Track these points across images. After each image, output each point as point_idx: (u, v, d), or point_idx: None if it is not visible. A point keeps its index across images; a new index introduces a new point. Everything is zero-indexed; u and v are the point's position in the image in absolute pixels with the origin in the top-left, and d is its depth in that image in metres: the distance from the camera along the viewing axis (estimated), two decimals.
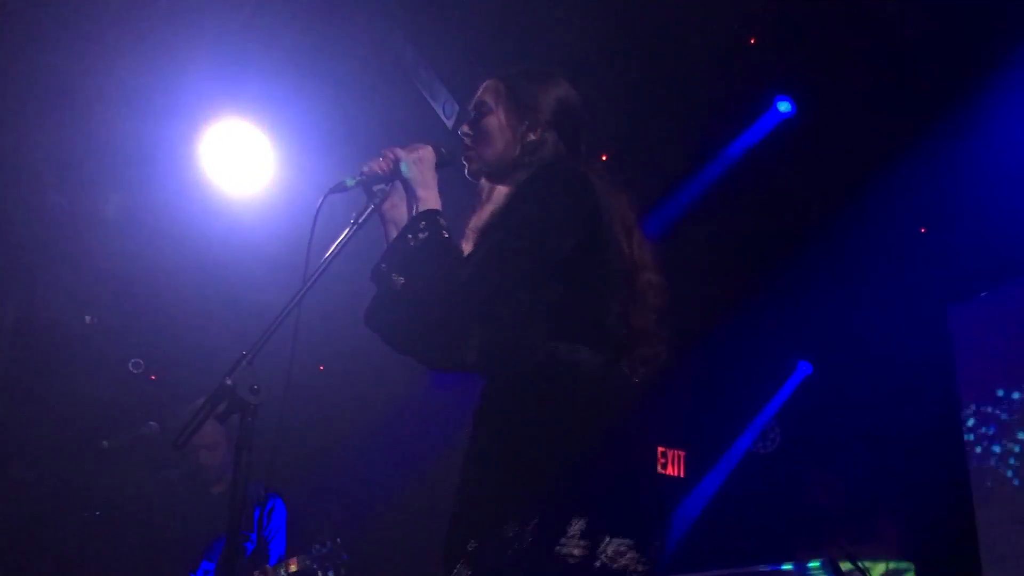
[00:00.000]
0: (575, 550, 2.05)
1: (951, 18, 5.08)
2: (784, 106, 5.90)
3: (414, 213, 2.37)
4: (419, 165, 2.40)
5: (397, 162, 2.40)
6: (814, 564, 4.59)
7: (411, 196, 2.40)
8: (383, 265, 2.33)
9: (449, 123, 5.39)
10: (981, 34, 5.13)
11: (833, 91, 5.66)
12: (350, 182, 2.41)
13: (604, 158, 5.90)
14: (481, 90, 2.57)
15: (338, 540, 4.37)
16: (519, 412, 2.22)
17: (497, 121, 2.51)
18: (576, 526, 2.06)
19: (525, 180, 2.38)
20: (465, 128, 2.55)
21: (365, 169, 2.42)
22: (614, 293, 2.35)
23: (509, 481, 2.15)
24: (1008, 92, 5.31)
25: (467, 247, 2.44)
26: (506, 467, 2.17)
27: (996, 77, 5.27)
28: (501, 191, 2.51)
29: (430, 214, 2.32)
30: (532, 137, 2.49)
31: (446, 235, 2.29)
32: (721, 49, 5.45)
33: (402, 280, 2.28)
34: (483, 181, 2.57)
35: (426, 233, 2.27)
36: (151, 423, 4.78)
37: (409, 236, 2.29)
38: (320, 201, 2.36)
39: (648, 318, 2.40)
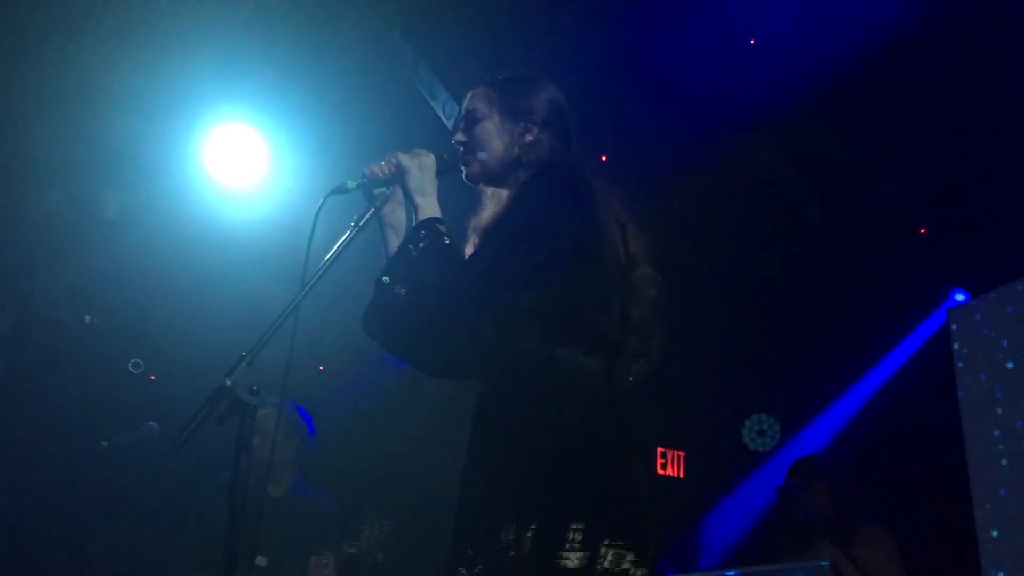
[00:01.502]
0: (574, 558, 2.06)
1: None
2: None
3: (413, 222, 2.37)
4: (420, 171, 2.40)
5: (399, 167, 2.41)
6: (814, 564, 4.58)
7: (410, 203, 2.41)
8: (385, 279, 2.34)
9: (449, 123, 5.39)
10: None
11: None
12: (351, 184, 2.42)
13: (604, 158, 5.92)
14: (469, 99, 2.59)
15: (386, 524, 4.40)
16: (517, 417, 2.22)
17: (493, 125, 2.52)
18: (574, 533, 2.07)
19: (524, 183, 2.39)
20: (459, 136, 2.56)
21: (367, 172, 2.43)
22: (611, 293, 2.36)
23: (507, 486, 2.15)
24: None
25: (468, 248, 2.45)
26: (504, 472, 2.17)
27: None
28: (501, 193, 2.52)
29: (429, 223, 2.32)
30: (529, 138, 2.51)
31: (447, 241, 2.30)
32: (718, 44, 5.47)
33: (405, 291, 2.29)
34: (482, 185, 2.58)
35: (426, 242, 2.28)
36: (151, 423, 4.78)
37: (410, 247, 2.30)
38: (320, 202, 2.36)
39: (643, 311, 2.41)
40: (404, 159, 2.41)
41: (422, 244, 2.28)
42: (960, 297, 6.34)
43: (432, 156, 2.44)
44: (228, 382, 2.05)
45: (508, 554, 2.07)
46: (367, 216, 2.40)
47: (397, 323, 2.34)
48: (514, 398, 2.25)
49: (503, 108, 2.53)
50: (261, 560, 4.27)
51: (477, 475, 2.25)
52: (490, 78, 2.62)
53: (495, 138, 2.52)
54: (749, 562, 4.83)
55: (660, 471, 7.26)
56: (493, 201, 2.53)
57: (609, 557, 2.08)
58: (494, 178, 2.55)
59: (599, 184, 2.41)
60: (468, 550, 2.14)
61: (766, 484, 6.74)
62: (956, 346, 5.86)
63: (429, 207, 2.37)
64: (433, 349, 2.40)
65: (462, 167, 2.55)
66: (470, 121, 2.56)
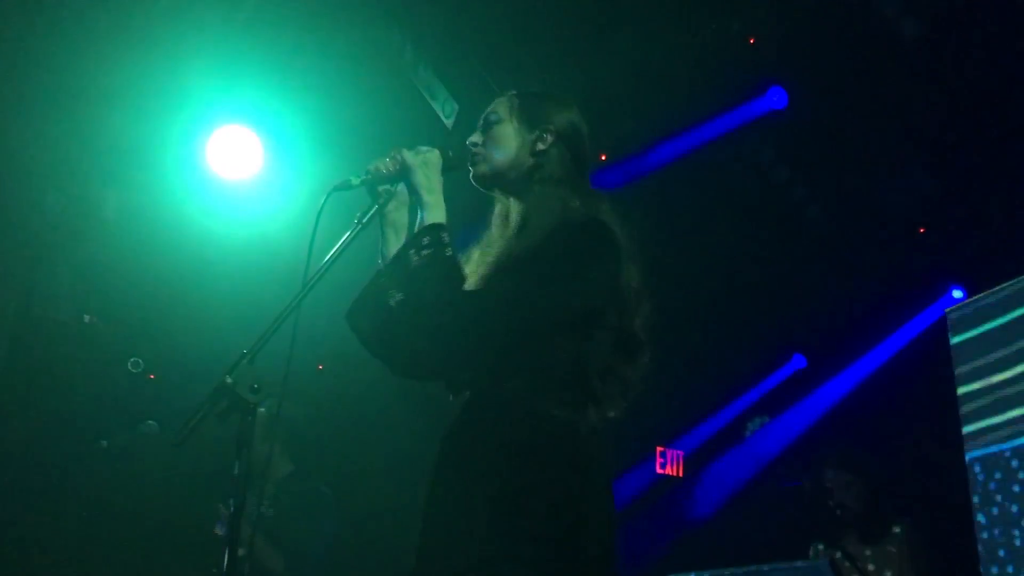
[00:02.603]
0: None
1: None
2: (778, 98, 5.91)
3: (418, 224, 2.36)
4: (426, 168, 2.39)
5: (403, 163, 2.40)
6: (814, 564, 4.58)
7: (415, 199, 2.40)
8: (381, 280, 2.33)
9: (448, 123, 5.39)
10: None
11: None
12: (355, 180, 2.40)
13: (603, 157, 5.93)
14: (492, 105, 2.61)
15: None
16: (509, 464, 2.19)
17: (510, 129, 2.53)
18: None
19: (552, 226, 2.34)
20: (475, 137, 2.56)
21: (371, 168, 2.42)
22: (614, 357, 2.36)
23: (472, 534, 2.14)
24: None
25: (475, 256, 2.44)
26: (471, 517, 2.16)
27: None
28: (510, 207, 2.49)
29: (434, 229, 2.30)
30: (541, 146, 2.51)
31: (449, 253, 2.27)
32: (718, 42, 5.49)
33: (400, 296, 2.28)
34: (496, 193, 2.56)
35: (429, 250, 2.26)
36: (150, 422, 4.78)
37: (412, 252, 2.28)
38: (324, 199, 2.35)
39: (635, 376, 2.41)
40: (409, 156, 2.40)
41: (424, 252, 2.26)
42: (958, 295, 6.34)
43: (437, 153, 2.43)
44: (229, 380, 2.04)
45: None
46: (371, 213, 2.39)
47: (384, 326, 2.34)
48: (496, 439, 2.22)
49: (522, 115, 2.54)
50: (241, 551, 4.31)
51: (441, 509, 2.26)
52: (517, 89, 2.63)
53: (510, 141, 2.52)
54: (763, 558, 4.80)
55: (659, 471, 7.27)
56: (501, 218, 2.50)
57: None
58: (501, 182, 2.53)
59: (622, 235, 2.38)
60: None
61: (766, 483, 6.75)
62: (955, 345, 5.86)
63: (435, 205, 2.35)
64: (413, 357, 2.40)
65: (471, 167, 2.54)
66: (487, 124, 2.56)
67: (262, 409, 2.10)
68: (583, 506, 2.18)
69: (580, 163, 2.57)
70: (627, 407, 2.41)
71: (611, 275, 2.32)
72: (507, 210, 2.51)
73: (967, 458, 5.16)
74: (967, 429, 5.27)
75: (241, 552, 2.16)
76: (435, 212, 2.35)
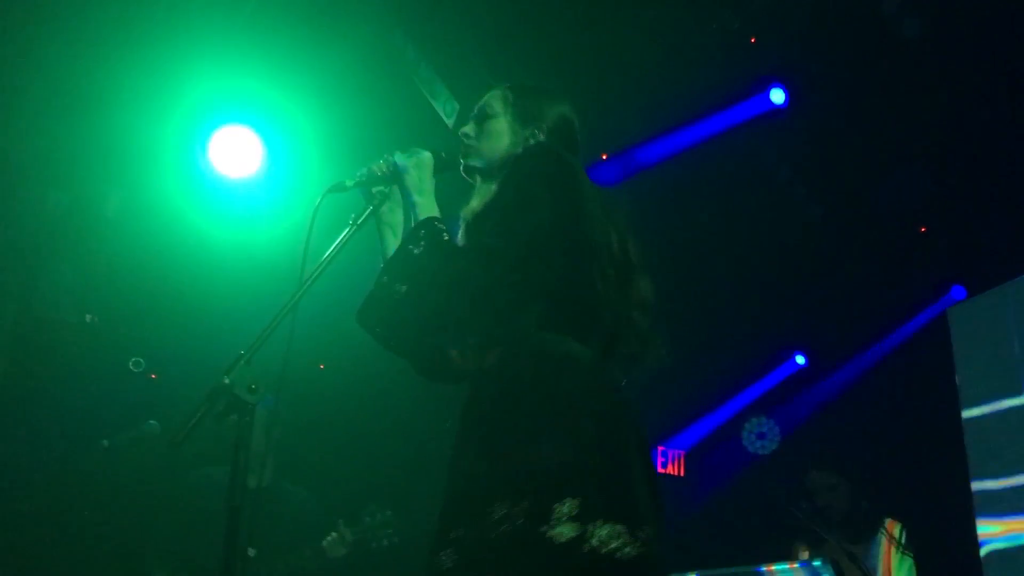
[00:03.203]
0: (564, 531, 2.03)
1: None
2: (778, 95, 5.91)
3: (412, 221, 2.38)
4: (418, 170, 2.42)
5: (396, 165, 2.42)
6: (814, 563, 4.58)
7: (407, 201, 2.42)
8: (385, 278, 2.34)
9: (449, 123, 5.39)
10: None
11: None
12: (349, 182, 2.43)
13: (604, 157, 5.94)
14: (486, 97, 2.63)
15: (388, 512, 4.46)
16: (510, 400, 2.22)
17: (504, 124, 2.56)
18: (567, 507, 2.04)
19: (512, 162, 2.40)
20: (467, 128, 2.59)
21: (364, 170, 2.44)
22: (602, 276, 2.35)
23: (499, 467, 2.13)
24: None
25: (460, 239, 2.47)
26: (496, 455, 2.15)
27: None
28: (491, 186, 2.52)
29: (428, 222, 2.34)
30: (532, 141, 2.53)
31: (446, 237, 2.31)
32: (718, 41, 5.49)
33: (404, 288, 2.30)
34: (479, 180, 2.58)
35: (426, 241, 2.30)
36: (152, 422, 4.78)
37: (411, 247, 2.31)
38: (318, 201, 2.37)
39: (642, 319, 2.41)
40: (401, 158, 2.43)
41: (422, 243, 2.30)
42: (959, 294, 6.34)
43: (429, 154, 2.46)
44: (227, 380, 2.05)
45: (497, 528, 2.04)
46: (365, 215, 2.41)
47: (394, 318, 2.35)
48: (506, 381, 2.24)
49: (516, 110, 2.57)
50: (251, 551, 4.34)
51: (467, 458, 2.23)
52: (511, 82, 2.65)
53: (503, 136, 2.55)
54: (754, 558, 4.82)
55: (660, 470, 7.27)
56: (483, 192, 2.54)
57: (601, 535, 2.05)
58: (492, 174, 2.56)
59: (591, 179, 2.42)
60: (452, 533, 2.12)
61: (765, 484, 6.75)
62: (956, 344, 5.87)
63: (427, 205, 2.39)
64: (429, 343, 2.41)
65: (462, 159, 2.56)
66: (481, 116, 2.60)
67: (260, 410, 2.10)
68: (569, 432, 2.16)
69: (571, 152, 2.57)
70: (652, 368, 2.41)
71: (569, 189, 2.33)
72: (486, 190, 2.54)
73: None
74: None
75: (252, 552, 2.17)
76: (427, 210, 2.38)
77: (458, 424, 2.34)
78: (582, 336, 2.30)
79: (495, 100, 2.60)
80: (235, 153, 5.20)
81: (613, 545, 2.05)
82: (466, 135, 2.59)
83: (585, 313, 2.32)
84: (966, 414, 5.72)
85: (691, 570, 4.55)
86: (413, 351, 2.48)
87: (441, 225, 2.34)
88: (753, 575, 4.66)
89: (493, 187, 2.51)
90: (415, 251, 2.30)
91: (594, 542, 2.04)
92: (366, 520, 4.55)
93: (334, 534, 4.42)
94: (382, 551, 4.45)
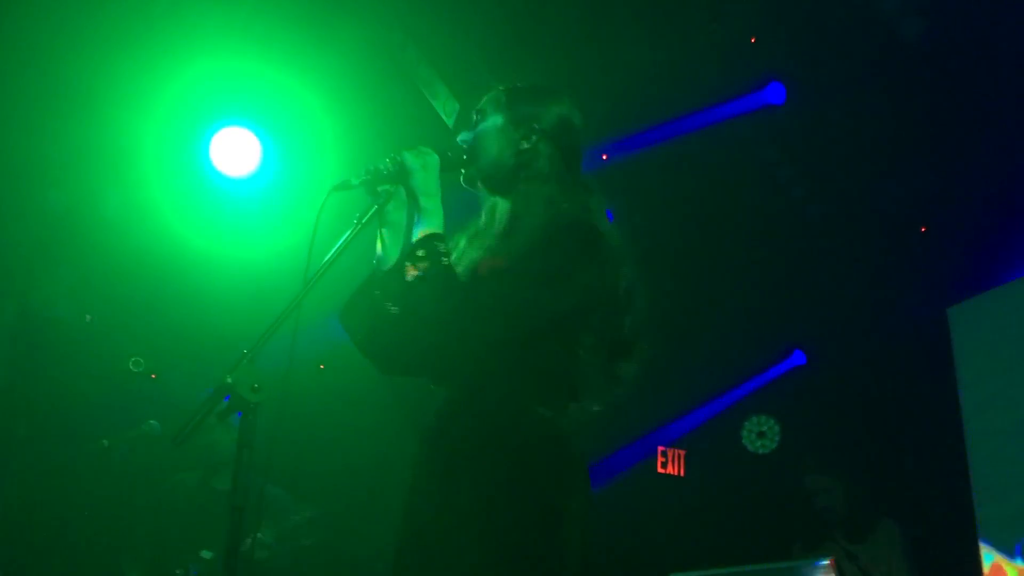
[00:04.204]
0: None
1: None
2: (777, 94, 5.91)
3: (416, 222, 2.36)
4: (425, 171, 2.38)
5: (403, 165, 2.40)
6: (814, 563, 4.58)
7: (413, 203, 2.39)
8: (377, 292, 2.34)
9: (449, 123, 5.39)
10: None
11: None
12: (355, 181, 2.40)
13: (604, 157, 5.93)
14: (483, 100, 2.59)
15: (308, 512, 4.47)
16: (496, 466, 2.21)
17: (494, 128, 2.52)
18: None
19: (545, 232, 2.34)
20: (464, 136, 2.56)
21: (370, 169, 2.42)
22: (600, 357, 2.38)
23: (478, 532, 2.15)
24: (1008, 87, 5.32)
25: (462, 246, 2.47)
26: (475, 514, 2.17)
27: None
28: (498, 205, 2.50)
29: (429, 240, 2.29)
30: (526, 145, 2.49)
31: (445, 263, 2.27)
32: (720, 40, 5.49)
33: (396, 310, 2.29)
34: (483, 191, 2.56)
35: (425, 263, 2.25)
36: (152, 422, 4.78)
37: (408, 264, 2.27)
38: (323, 199, 2.35)
39: (625, 374, 2.43)
40: (409, 158, 2.39)
41: (420, 265, 2.25)
42: (958, 295, 6.31)
43: (436, 155, 2.43)
44: (229, 380, 2.04)
45: None
46: (370, 214, 2.39)
47: (380, 333, 2.35)
48: (493, 446, 2.23)
49: (509, 112, 2.52)
50: (206, 554, 4.35)
51: (438, 496, 2.24)
52: (509, 84, 2.61)
53: (493, 141, 2.50)
54: (753, 559, 4.82)
55: (660, 470, 7.26)
56: (491, 216, 2.51)
57: None
58: (489, 182, 2.54)
59: (614, 242, 2.39)
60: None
61: (766, 484, 6.75)
62: (956, 345, 5.87)
63: (432, 210, 2.35)
64: (408, 358, 2.41)
65: (462, 168, 2.54)
66: (476, 121, 2.56)
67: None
68: (565, 502, 2.20)
69: (569, 158, 2.54)
70: (613, 402, 2.43)
71: (596, 278, 2.31)
72: (494, 208, 2.52)
73: None
74: None
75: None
76: (432, 218, 2.34)
77: (426, 438, 2.34)
78: (564, 408, 2.32)
79: (488, 103, 2.57)
80: (235, 153, 5.20)
81: None
82: (464, 141, 2.55)
83: (573, 386, 2.34)
84: (966, 414, 5.72)
85: (691, 570, 4.55)
86: (386, 358, 2.48)
87: (442, 246, 2.29)
88: (752, 575, 4.66)
89: (504, 208, 2.48)
90: (411, 274, 2.26)
91: None
92: (291, 519, 4.52)
93: (249, 539, 4.38)
94: (305, 550, 4.43)
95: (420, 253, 2.27)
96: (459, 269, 2.37)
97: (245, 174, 5.23)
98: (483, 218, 2.54)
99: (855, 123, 5.81)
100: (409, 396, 5.83)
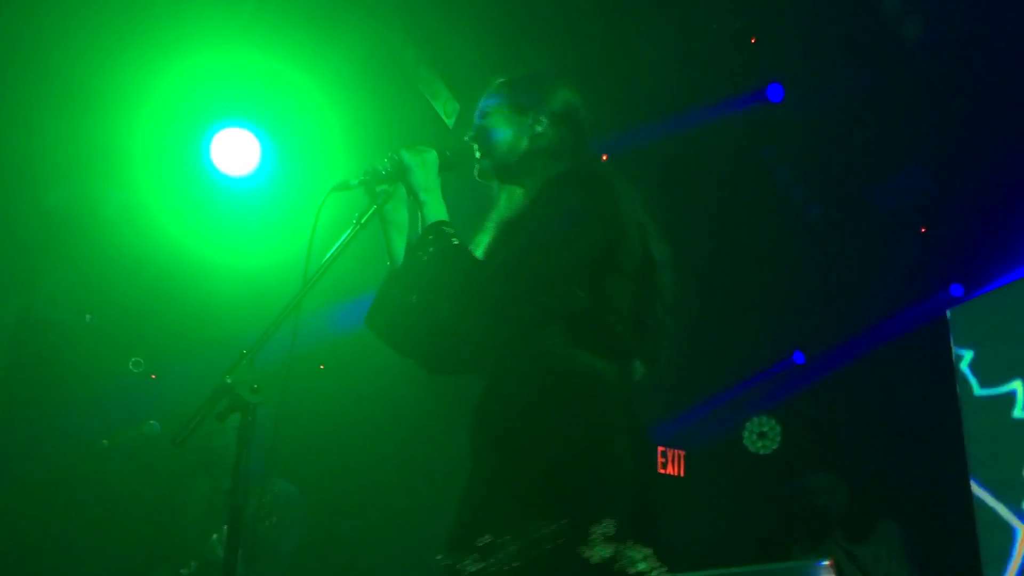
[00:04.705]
0: (600, 552, 2.06)
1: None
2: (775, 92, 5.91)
3: (419, 220, 2.37)
4: (423, 168, 2.39)
5: (401, 164, 2.40)
6: (814, 564, 4.58)
7: (413, 200, 2.40)
8: (396, 288, 2.35)
9: (449, 123, 5.39)
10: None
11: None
12: (354, 181, 2.41)
13: (604, 158, 5.93)
14: (484, 97, 2.60)
15: (269, 495, 4.48)
16: (538, 414, 2.22)
17: (501, 118, 2.53)
18: (603, 528, 2.07)
19: (545, 183, 2.37)
20: (471, 134, 2.56)
21: (369, 169, 2.42)
22: (629, 297, 2.37)
23: (532, 482, 2.14)
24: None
25: (485, 240, 2.45)
26: (526, 468, 2.17)
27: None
28: (515, 191, 2.51)
29: (436, 227, 2.31)
30: (538, 128, 2.50)
31: (455, 242, 2.28)
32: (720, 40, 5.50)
33: (416, 298, 2.30)
34: (502, 184, 2.57)
35: (435, 247, 2.27)
36: (152, 422, 4.78)
37: (419, 253, 2.30)
38: (322, 200, 2.36)
39: (658, 317, 2.43)
40: (407, 156, 2.40)
41: (431, 249, 2.27)
42: (958, 294, 6.32)
43: (434, 152, 2.43)
44: (229, 380, 2.04)
45: (540, 546, 2.07)
46: (369, 214, 2.40)
47: (407, 324, 2.35)
48: (533, 396, 2.24)
49: (512, 101, 2.54)
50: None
51: (493, 470, 2.24)
52: (507, 77, 2.62)
53: (502, 129, 2.52)
54: (753, 559, 4.82)
55: (660, 470, 7.26)
56: (508, 199, 2.52)
57: (631, 557, 2.09)
58: (505, 172, 2.54)
59: (620, 184, 2.40)
60: (477, 540, 2.13)
61: (766, 483, 6.75)
62: (955, 345, 5.87)
63: (433, 204, 2.36)
64: (442, 348, 2.41)
65: (475, 163, 2.54)
66: (480, 116, 2.57)
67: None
68: (610, 442, 2.19)
69: (579, 136, 2.56)
70: (662, 365, 2.42)
71: (606, 217, 2.31)
72: (511, 195, 2.53)
73: None
74: None
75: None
76: (434, 210, 2.36)
77: (472, 431, 2.34)
78: (604, 352, 2.31)
79: (490, 97, 2.58)
80: (235, 153, 5.19)
81: (641, 567, 2.10)
82: (471, 138, 2.56)
83: (610, 330, 2.33)
84: (965, 414, 5.73)
85: (691, 570, 4.55)
86: (423, 354, 2.47)
87: (449, 229, 2.31)
88: (752, 575, 4.65)
89: (520, 192, 2.49)
90: (423, 257, 2.28)
91: (625, 563, 2.08)
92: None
93: (215, 535, 4.38)
94: (268, 531, 4.45)
95: (429, 238, 2.29)
96: (479, 252, 2.37)
97: (245, 173, 5.22)
98: (498, 205, 2.55)
99: (855, 123, 5.81)
100: (410, 396, 5.83)
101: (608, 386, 2.27)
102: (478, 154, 2.53)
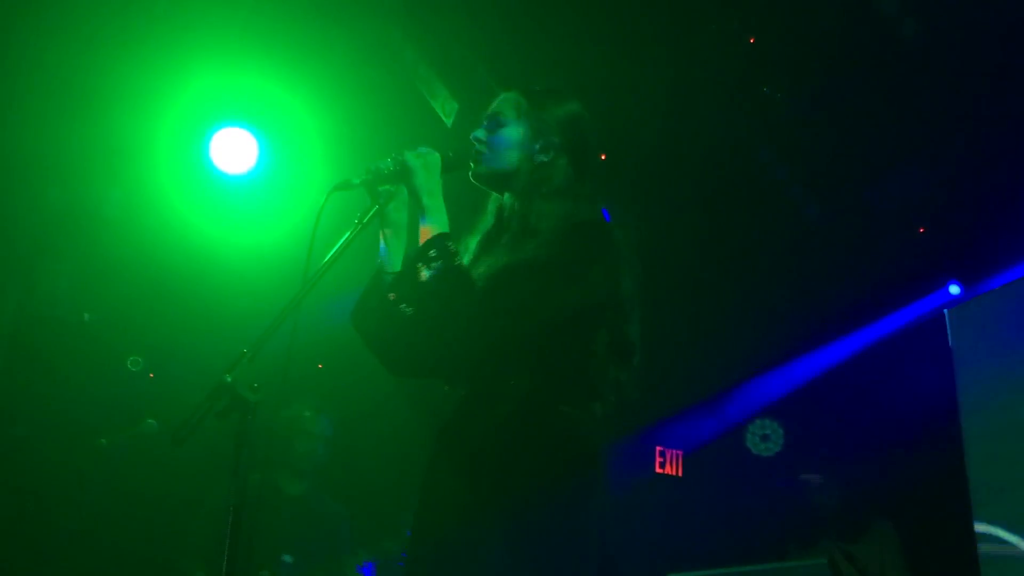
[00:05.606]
0: None
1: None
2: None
3: (420, 224, 2.36)
4: (426, 170, 2.39)
5: (404, 165, 2.40)
6: (814, 563, 4.59)
7: (415, 202, 2.39)
8: (391, 295, 2.33)
9: (449, 123, 5.39)
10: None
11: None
12: (355, 180, 2.41)
13: (603, 157, 5.93)
14: (499, 101, 2.59)
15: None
16: (503, 455, 2.24)
17: (516, 135, 2.52)
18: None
19: (554, 229, 2.37)
20: (479, 134, 2.55)
21: (371, 169, 2.42)
22: (609, 358, 2.40)
23: (498, 522, 2.17)
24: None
25: (472, 247, 2.47)
26: (494, 504, 2.19)
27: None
28: (517, 211, 2.49)
29: (439, 240, 2.29)
30: (543, 158, 2.50)
31: (458, 262, 2.27)
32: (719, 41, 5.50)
33: (411, 311, 2.29)
34: (494, 191, 2.58)
35: (438, 262, 2.25)
36: (150, 421, 4.78)
37: (420, 266, 2.27)
38: (324, 199, 2.35)
39: (627, 379, 2.45)
40: (410, 157, 2.39)
41: (434, 264, 2.25)
42: (955, 290, 6.31)
43: (437, 155, 2.43)
44: (228, 379, 2.04)
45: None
46: (371, 214, 2.39)
47: (396, 333, 2.36)
48: (502, 433, 2.27)
49: (529, 120, 2.53)
50: (287, 557, 4.44)
51: (445, 489, 2.28)
52: (524, 86, 2.62)
53: (514, 148, 2.51)
54: (750, 559, 4.83)
55: (659, 470, 7.26)
56: (501, 217, 2.53)
57: None
58: (500, 186, 2.55)
59: (622, 238, 2.42)
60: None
61: (766, 483, 6.76)
62: (956, 344, 5.86)
63: (436, 209, 2.35)
64: (426, 360, 2.42)
65: (471, 164, 2.53)
66: (494, 123, 2.55)
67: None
68: (588, 500, 2.23)
69: (582, 170, 2.56)
70: (617, 408, 2.45)
71: (611, 276, 2.35)
72: (503, 209, 2.52)
73: None
74: None
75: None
76: (437, 217, 2.35)
77: (434, 445, 2.38)
78: (583, 403, 2.35)
79: (508, 107, 2.56)
80: (235, 153, 5.20)
81: None
82: (478, 140, 2.54)
83: (590, 385, 2.36)
84: (965, 414, 5.72)
85: (691, 570, 4.55)
86: (401, 361, 2.50)
87: (452, 246, 2.29)
88: (752, 575, 4.66)
89: (507, 207, 2.50)
90: (426, 273, 2.25)
91: None
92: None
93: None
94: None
95: (432, 253, 2.27)
96: (474, 272, 2.36)
97: (245, 174, 5.23)
98: (491, 219, 2.56)
99: (854, 123, 5.81)
100: (409, 396, 5.83)
101: (589, 444, 2.32)
102: (480, 158, 2.53)
